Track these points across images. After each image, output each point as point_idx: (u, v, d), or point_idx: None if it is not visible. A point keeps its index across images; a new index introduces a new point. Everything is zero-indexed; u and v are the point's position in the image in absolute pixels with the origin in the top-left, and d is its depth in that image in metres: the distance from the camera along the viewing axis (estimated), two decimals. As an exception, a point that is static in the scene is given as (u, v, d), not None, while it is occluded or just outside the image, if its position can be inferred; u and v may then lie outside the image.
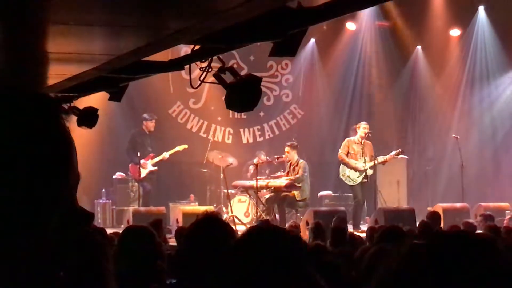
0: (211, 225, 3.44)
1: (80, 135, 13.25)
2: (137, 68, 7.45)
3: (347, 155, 14.86)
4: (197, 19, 4.86)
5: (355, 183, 14.77)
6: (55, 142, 1.49)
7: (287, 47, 6.29)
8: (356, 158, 14.81)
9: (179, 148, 15.58)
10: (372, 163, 14.76)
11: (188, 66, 7.59)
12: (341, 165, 14.88)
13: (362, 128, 14.84)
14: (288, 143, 15.23)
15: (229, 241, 3.32)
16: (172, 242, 9.76)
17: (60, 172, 1.49)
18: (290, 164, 15.14)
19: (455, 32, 18.08)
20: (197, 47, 6.58)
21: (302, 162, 15.05)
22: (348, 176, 14.78)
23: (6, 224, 1.41)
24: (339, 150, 14.98)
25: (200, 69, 6.80)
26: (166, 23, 5.12)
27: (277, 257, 2.41)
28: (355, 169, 14.73)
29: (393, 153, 15.09)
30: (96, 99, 11.89)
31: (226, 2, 4.48)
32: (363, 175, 14.73)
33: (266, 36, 5.99)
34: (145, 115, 15.74)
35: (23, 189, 1.42)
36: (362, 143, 14.84)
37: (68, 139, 1.53)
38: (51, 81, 7.91)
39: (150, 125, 15.63)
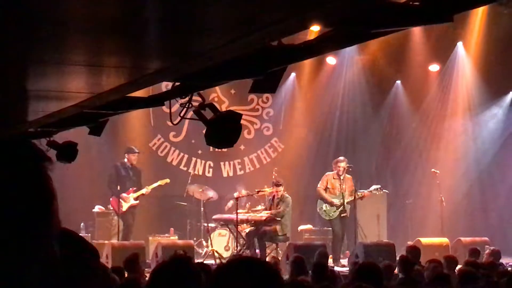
0: (179, 268, 3.42)
1: (59, 167, 13.16)
2: (117, 104, 7.43)
3: (325, 190, 14.93)
4: (177, 60, 4.88)
5: (331, 218, 14.83)
6: (36, 194, 1.48)
7: (267, 84, 6.31)
8: (334, 193, 14.87)
9: (160, 182, 15.52)
10: (351, 198, 14.81)
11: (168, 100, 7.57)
12: (319, 200, 14.97)
13: (339, 164, 14.92)
14: (279, 181, 15.02)
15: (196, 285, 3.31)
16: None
17: (40, 223, 1.48)
18: (273, 198, 15.09)
19: (434, 67, 18.25)
20: (177, 83, 6.58)
21: (287, 197, 15.01)
22: (325, 211, 14.85)
23: None
24: (318, 185, 15.05)
25: (180, 105, 6.79)
26: (146, 63, 5.13)
27: None
28: (331, 204, 14.78)
29: (372, 188, 15.15)
30: (75, 131, 11.84)
31: (206, 43, 4.50)
32: (339, 210, 14.77)
33: (246, 74, 5.99)
34: (129, 148, 15.66)
35: (3, 240, 1.42)
36: (342, 178, 14.89)
37: (50, 189, 1.52)
38: (30, 117, 7.88)
39: (133, 158, 15.55)
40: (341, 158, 15.18)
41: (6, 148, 1.51)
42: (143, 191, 15.34)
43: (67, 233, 2.15)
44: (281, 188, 14.98)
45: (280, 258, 13.48)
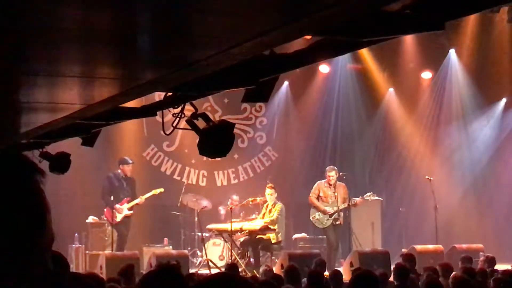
0: (164, 278, 3.41)
1: (52, 178, 13.12)
2: (109, 115, 7.43)
3: (318, 198, 14.94)
4: (169, 70, 4.87)
5: (324, 226, 14.84)
6: (30, 208, 1.48)
7: (260, 93, 6.31)
8: (327, 201, 14.88)
9: (155, 191, 15.46)
10: (345, 205, 14.82)
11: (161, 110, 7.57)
12: (311, 208, 14.98)
13: (328, 173, 14.96)
14: (271, 185, 15.18)
15: None
16: None
17: (34, 236, 1.47)
18: (267, 205, 15.11)
19: (426, 74, 18.30)
20: (170, 93, 6.58)
21: (279, 204, 15.03)
22: (318, 219, 14.86)
23: None
24: (310, 193, 15.06)
25: (173, 115, 6.78)
26: (139, 74, 5.13)
27: None
28: (324, 212, 14.78)
29: (365, 195, 15.19)
30: (68, 142, 11.81)
31: (198, 53, 4.50)
32: (332, 218, 14.78)
33: (238, 83, 6.00)
34: (122, 159, 15.59)
35: None
36: (334, 186, 14.91)
37: (43, 202, 1.52)
38: (23, 129, 7.87)
39: (127, 169, 15.47)
40: (330, 167, 15.21)
41: None
42: (137, 201, 15.29)
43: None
44: (271, 191, 14.98)
45: (274, 267, 13.45)
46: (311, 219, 14.99)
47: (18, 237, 1.45)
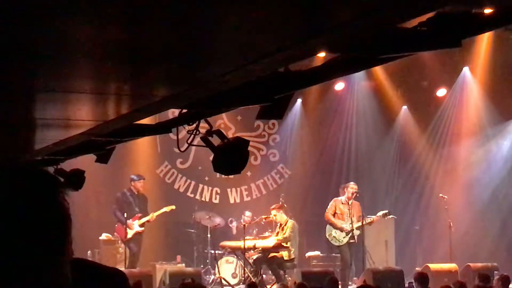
0: None
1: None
2: (124, 132, 7.43)
3: (334, 215, 14.88)
4: (184, 87, 4.87)
5: (341, 244, 14.75)
6: (53, 222, 1.49)
7: (274, 110, 6.29)
8: (343, 218, 14.81)
9: (166, 209, 15.50)
10: (359, 223, 14.75)
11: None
12: (328, 226, 14.90)
13: (350, 188, 14.90)
14: (272, 206, 15.22)
15: None
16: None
17: (56, 250, 1.48)
18: (280, 224, 15.10)
19: (441, 92, 18.25)
20: (185, 110, 6.58)
21: (290, 222, 15.02)
22: (334, 237, 14.77)
23: None
24: (326, 210, 14.99)
25: (187, 132, 6.78)
26: (153, 91, 5.12)
27: None
28: (341, 230, 14.72)
29: (380, 213, 15.10)
30: (82, 159, 11.83)
31: (212, 70, 4.49)
32: (349, 235, 14.72)
33: (253, 100, 5.98)
34: (133, 176, 15.67)
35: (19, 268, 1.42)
36: (350, 203, 14.85)
37: (66, 216, 1.54)
38: (38, 145, 7.88)
39: (139, 185, 15.56)
40: (351, 183, 15.21)
41: (20, 176, 1.52)
42: (148, 218, 15.32)
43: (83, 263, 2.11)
44: (275, 212, 15.00)
45: (288, 285, 13.40)
46: (327, 236, 14.90)
47: (40, 251, 1.47)
